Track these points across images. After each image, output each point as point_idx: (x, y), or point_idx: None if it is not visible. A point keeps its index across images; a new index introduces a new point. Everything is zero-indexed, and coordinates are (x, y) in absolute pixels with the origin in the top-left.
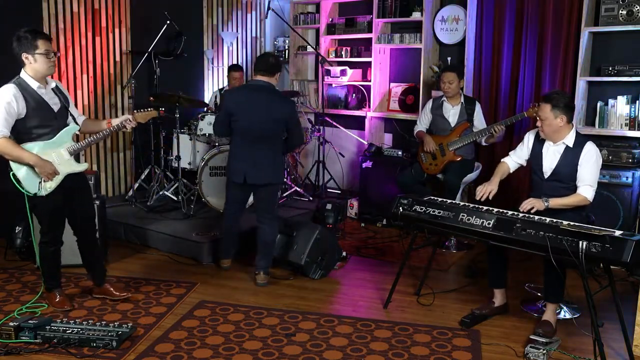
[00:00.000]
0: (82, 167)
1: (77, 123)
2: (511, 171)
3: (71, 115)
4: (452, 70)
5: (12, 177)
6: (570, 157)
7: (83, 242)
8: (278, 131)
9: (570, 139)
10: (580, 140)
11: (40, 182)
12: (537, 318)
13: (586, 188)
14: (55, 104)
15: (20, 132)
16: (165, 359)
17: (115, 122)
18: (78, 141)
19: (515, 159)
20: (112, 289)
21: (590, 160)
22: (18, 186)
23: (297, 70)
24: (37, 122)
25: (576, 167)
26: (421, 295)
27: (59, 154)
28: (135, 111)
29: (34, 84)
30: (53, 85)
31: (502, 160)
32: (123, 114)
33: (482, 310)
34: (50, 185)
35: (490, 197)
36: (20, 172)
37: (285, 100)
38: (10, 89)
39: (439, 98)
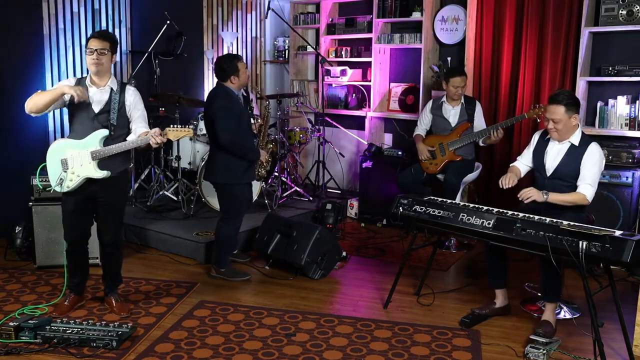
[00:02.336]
0: (99, 174)
1: (110, 129)
2: (522, 175)
3: (110, 122)
4: (461, 74)
5: (39, 169)
6: (574, 155)
7: (103, 253)
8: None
9: (576, 138)
10: (586, 139)
11: (60, 178)
12: (537, 318)
13: (586, 187)
14: (98, 103)
15: (69, 125)
16: (165, 359)
17: (148, 133)
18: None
19: (525, 161)
20: (114, 306)
21: (592, 160)
22: (38, 180)
23: (297, 70)
24: (75, 115)
25: (579, 166)
26: (421, 295)
27: (82, 155)
28: (170, 127)
29: (88, 80)
30: (113, 87)
31: (511, 164)
32: None
33: (482, 310)
34: (68, 185)
35: (512, 184)
36: (50, 161)
37: (215, 97)
38: (70, 78)
39: (438, 99)
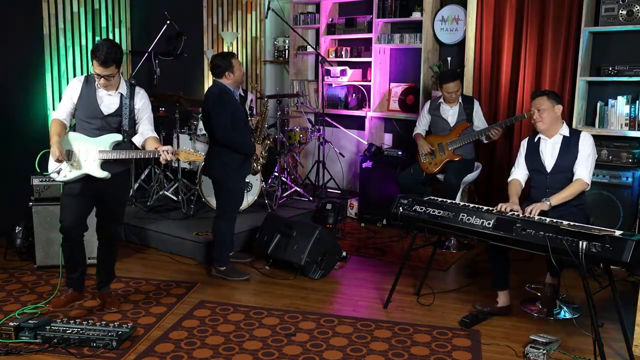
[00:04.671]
0: (100, 174)
1: (123, 135)
2: (523, 184)
3: (123, 129)
4: (455, 78)
5: (40, 154)
6: (570, 145)
7: (99, 247)
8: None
9: (565, 130)
10: (575, 130)
11: (60, 167)
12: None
13: (581, 169)
14: (108, 107)
15: (76, 120)
16: (165, 359)
17: (160, 148)
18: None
19: (521, 170)
20: (105, 300)
21: (586, 145)
22: (36, 164)
23: (297, 70)
24: (82, 115)
25: (577, 155)
26: (421, 295)
27: (88, 152)
28: (184, 148)
29: (96, 82)
30: (123, 92)
31: (510, 179)
32: None
33: (484, 307)
34: (65, 175)
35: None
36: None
37: (211, 94)
38: (77, 78)
39: (436, 99)
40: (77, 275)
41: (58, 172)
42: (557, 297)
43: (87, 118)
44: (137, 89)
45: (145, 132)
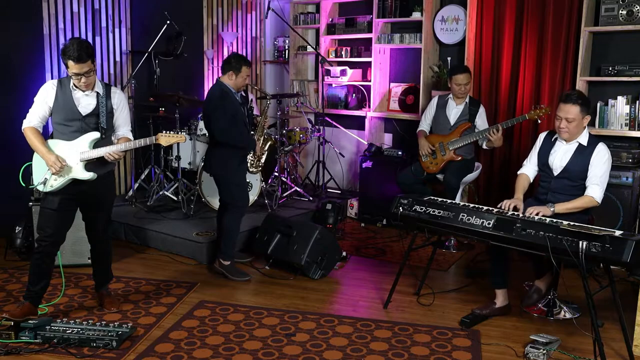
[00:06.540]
0: (86, 175)
1: (101, 132)
2: (532, 180)
3: (101, 126)
4: (464, 71)
5: (22, 168)
6: (582, 155)
7: (92, 250)
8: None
9: (584, 138)
10: (594, 139)
11: (45, 177)
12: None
13: (594, 188)
14: (85, 107)
15: (53, 126)
16: (165, 359)
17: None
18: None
19: (532, 166)
20: (105, 300)
21: (601, 161)
22: (20, 179)
23: (297, 70)
24: (60, 118)
25: (587, 166)
26: (421, 295)
27: (70, 156)
28: (163, 132)
29: (71, 83)
30: (99, 91)
31: (519, 172)
32: None
33: (482, 310)
34: (52, 185)
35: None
36: (36, 161)
37: (211, 97)
38: (50, 82)
39: (445, 95)
40: (37, 289)
41: (44, 183)
42: (542, 299)
43: (65, 121)
44: (114, 88)
45: (119, 132)
